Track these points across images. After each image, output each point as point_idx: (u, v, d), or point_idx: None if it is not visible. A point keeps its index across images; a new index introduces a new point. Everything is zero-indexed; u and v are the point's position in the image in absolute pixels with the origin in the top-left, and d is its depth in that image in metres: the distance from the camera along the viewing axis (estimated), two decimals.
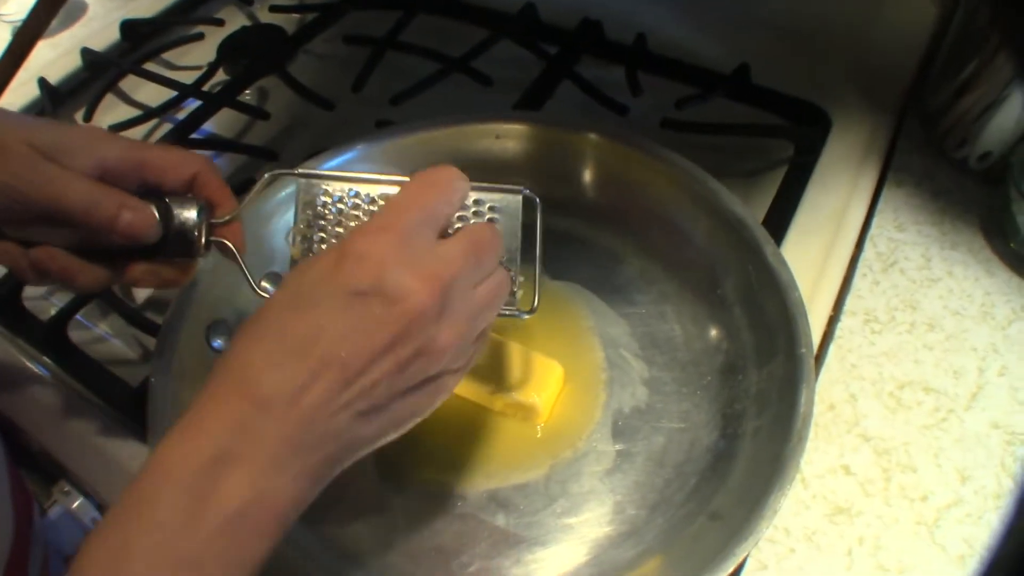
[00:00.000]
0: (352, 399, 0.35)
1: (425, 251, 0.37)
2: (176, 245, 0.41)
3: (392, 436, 0.38)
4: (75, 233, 0.39)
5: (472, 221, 0.43)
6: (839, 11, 0.71)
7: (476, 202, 0.43)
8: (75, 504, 0.56)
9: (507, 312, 0.43)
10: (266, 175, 0.43)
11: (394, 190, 0.43)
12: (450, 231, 0.42)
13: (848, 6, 0.71)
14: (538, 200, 0.45)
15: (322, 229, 0.42)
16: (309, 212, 0.42)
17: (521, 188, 0.44)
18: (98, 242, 0.40)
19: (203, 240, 0.42)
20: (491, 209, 0.44)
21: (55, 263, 0.40)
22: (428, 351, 0.36)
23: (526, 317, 0.44)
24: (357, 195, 0.43)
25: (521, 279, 0.44)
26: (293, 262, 0.42)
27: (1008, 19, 0.57)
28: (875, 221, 0.64)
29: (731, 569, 0.38)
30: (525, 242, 0.44)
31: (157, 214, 0.41)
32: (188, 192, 0.42)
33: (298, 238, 0.42)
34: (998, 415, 0.53)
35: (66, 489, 0.57)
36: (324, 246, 0.42)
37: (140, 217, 0.40)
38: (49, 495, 0.57)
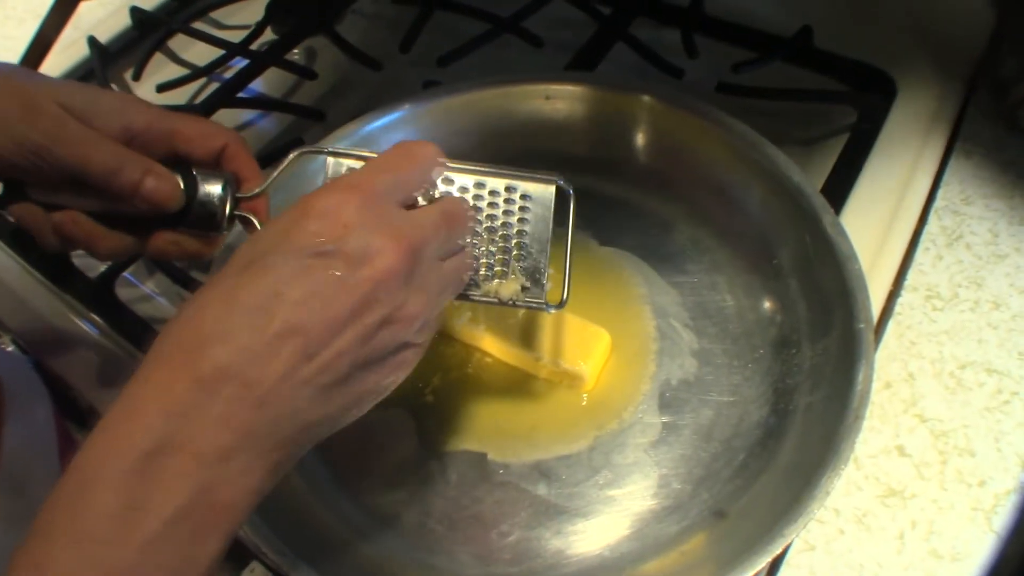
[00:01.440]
0: (313, 374, 0.32)
1: (393, 213, 0.34)
2: (199, 217, 0.41)
3: (353, 416, 0.35)
4: (99, 198, 0.39)
5: (503, 208, 0.42)
6: None
7: (508, 189, 0.42)
8: None
9: (534, 304, 0.42)
10: (293, 152, 0.42)
11: None
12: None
13: None
14: (571, 191, 0.43)
15: None
16: None
17: (556, 178, 0.43)
18: (121, 209, 0.40)
19: (227, 214, 0.41)
20: (523, 197, 0.42)
21: (78, 228, 0.40)
22: (395, 319, 0.33)
23: (553, 311, 0.43)
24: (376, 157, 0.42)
25: (551, 271, 0.43)
26: None
27: None
28: (940, 193, 0.61)
29: (778, 550, 0.37)
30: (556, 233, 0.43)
31: (182, 184, 0.40)
32: (216, 164, 0.42)
33: None
34: None
35: None
36: None
37: (164, 184, 0.39)
38: None
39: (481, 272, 0.42)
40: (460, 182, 0.41)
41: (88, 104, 0.39)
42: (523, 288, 0.42)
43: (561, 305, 0.43)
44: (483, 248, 0.42)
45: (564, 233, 0.43)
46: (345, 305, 0.32)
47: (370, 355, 0.33)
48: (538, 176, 0.42)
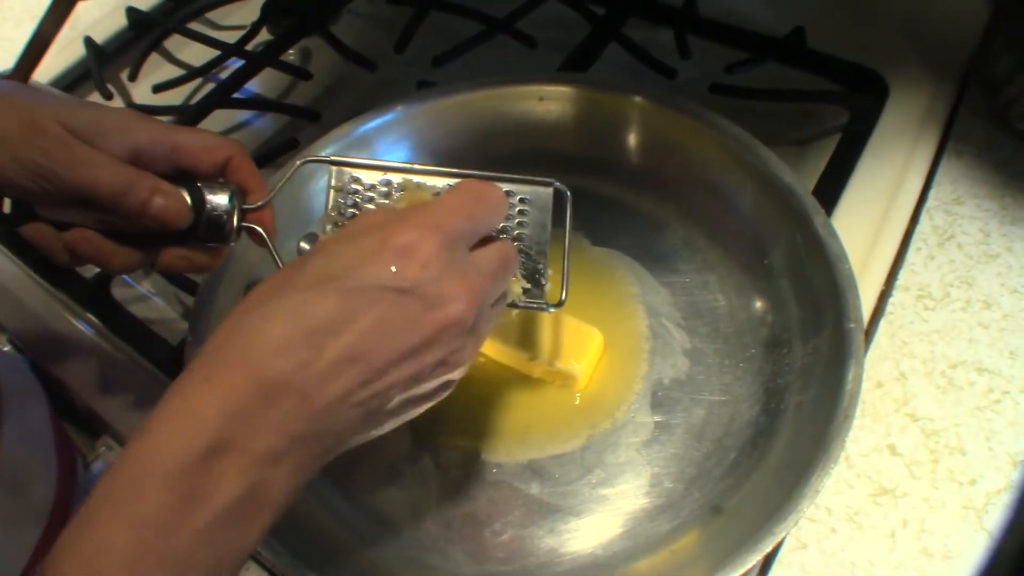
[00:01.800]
0: (365, 399, 0.33)
1: (466, 260, 0.35)
2: (208, 230, 0.41)
3: (383, 432, 0.37)
4: (108, 216, 0.39)
5: None
6: None
7: (507, 194, 0.43)
8: None
9: (534, 305, 0.43)
10: (297, 161, 0.42)
11: (425, 179, 0.42)
12: None
13: None
14: (568, 194, 0.44)
15: (353, 217, 0.42)
16: (340, 199, 0.42)
17: (552, 181, 0.43)
18: (130, 226, 0.40)
19: (234, 225, 0.41)
20: (521, 201, 0.43)
21: (89, 246, 0.40)
22: (451, 362, 0.35)
23: (552, 311, 0.43)
24: (389, 183, 0.42)
25: (550, 272, 0.44)
26: None
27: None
28: (932, 193, 0.61)
29: (768, 548, 0.37)
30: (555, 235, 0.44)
31: (189, 199, 0.40)
32: (220, 177, 0.42)
33: (328, 225, 0.42)
34: None
35: (110, 444, 0.58)
36: None
37: (172, 202, 0.39)
38: (93, 450, 0.58)
39: None
40: None
41: (91, 124, 0.39)
42: (524, 290, 0.43)
43: (560, 304, 0.43)
44: None
45: (561, 234, 0.44)
46: (410, 342, 0.33)
47: (420, 391, 0.35)
48: (535, 180, 0.43)
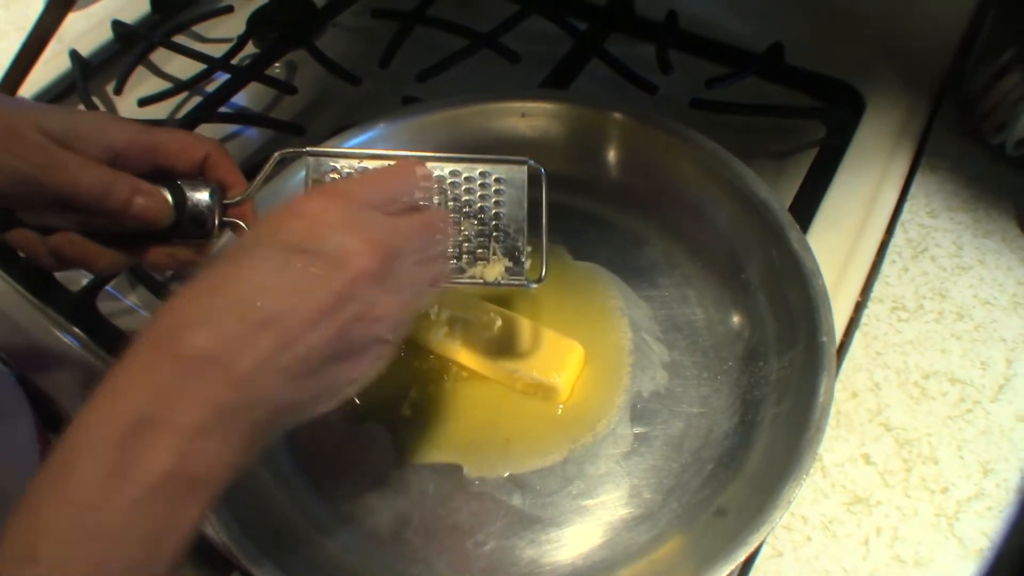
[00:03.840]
0: (287, 363, 0.33)
1: (373, 219, 0.36)
2: (190, 227, 0.42)
3: (329, 403, 0.37)
4: (90, 218, 0.40)
5: (479, 193, 0.44)
6: None
7: (482, 174, 0.44)
8: None
9: (515, 282, 0.44)
10: (275, 155, 0.43)
11: None
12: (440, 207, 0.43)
13: None
14: (543, 171, 0.45)
15: None
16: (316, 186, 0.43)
17: (526, 159, 0.45)
18: (113, 227, 0.40)
19: (216, 221, 0.42)
20: (497, 181, 0.44)
21: (73, 248, 0.41)
22: (368, 316, 0.35)
23: (534, 287, 0.44)
24: (366, 170, 0.43)
25: (529, 249, 0.45)
26: None
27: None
28: (907, 206, 0.62)
29: (743, 557, 0.38)
30: (532, 213, 0.45)
31: (170, 197, 0.41)
32: (200, 174, 0.43)
33: None
34: None
35: None
36: None
37: (153, 202, 0.40)
38: None
39: (464, 257, 0.44)
40: (437, 172, 0.43)
41: (69, 128, 0.39)
42: (505, 268, 0.44)
43: (540, 280, 0.45)
44: (465, 232, 0.44)
45: (536, 213, 0.45)
46: (321, 301, 0.34)
47: (342, 348, 0.35)
48: (509, 159, 0.45)
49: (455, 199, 0.44)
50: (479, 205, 0.44)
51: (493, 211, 0.45)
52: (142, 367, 0.32)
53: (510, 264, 0.44)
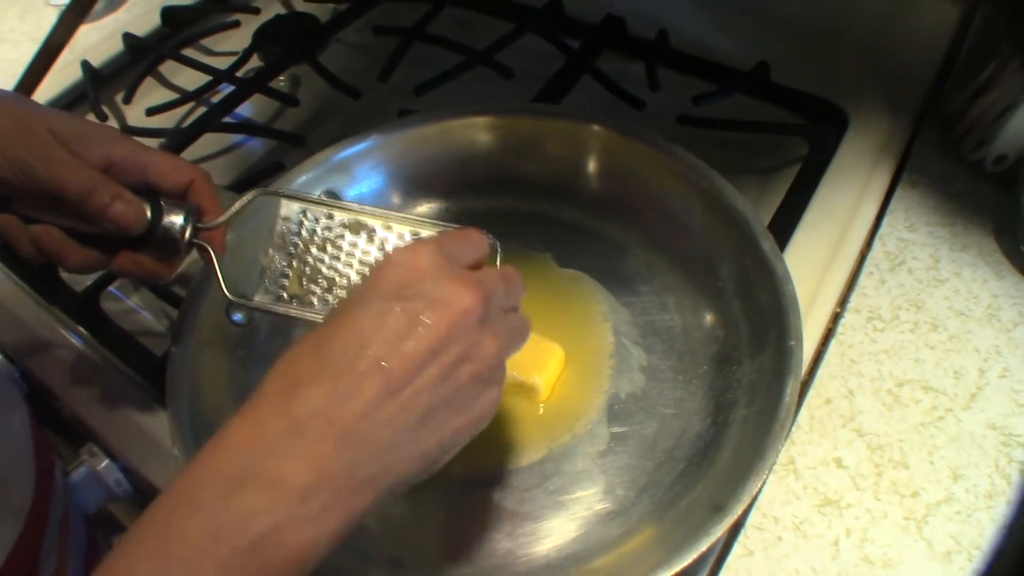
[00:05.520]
0: (394, 412, 0.33)
1: (464, 271, 0.37)
2: (162, 241, 0.44)
3: (436, 462, 0.36)
4: (73, 217, 0.42)
5: None
6: (861, 11, 0.72)
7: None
8: (100, 466, 0.59)
9: None
10: (250, 192, 0.46)
11: (371, 220, 0.46)
12: None
13: (871, 5, 0.71)
14: (499, 245, 0.46)
15: (294, 245, 0.46)
16: (286, 227, 0.46)
17: (483, 233, 0.46)
18: (92, 228, 0.43)
19: (187, 240, 0.45)
20: None
21: (52, 240, 0.43)
22: (473, 357, 0.35)
23: None
24: (331, 216, 0.46)
25: None
26: (262, 271, 0.45)
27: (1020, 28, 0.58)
28: (886, 220, 0.64)
29: (704, 548, 0.40)
30: None
31: (149, 211, 0.44)
32: (183, 197, 0.46)
33: (271, 249, 0.46)
34: (996, 416, 0.53)
35: (93, 451, 0.60)
36: (294, 261, 0.45)
37: (129, 209, 0.42)
38: (76, 456, 0.60)
39: None
40: (398, 230, 0.46)
41: (75, 132, 0.42)
42: None
43: None
44: None
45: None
46: (424, 343, 0.33)
47: (450, 394, 0.34)
48: (468, 230, 0.47)
49: None
50: None
51: None
52: (251, 423, 0.32)
53: None
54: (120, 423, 0.58)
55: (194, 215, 0.45)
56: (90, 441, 0.61)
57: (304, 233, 0.46)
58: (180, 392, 0.50)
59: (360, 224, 0.46)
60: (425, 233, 0.46)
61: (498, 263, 0.47)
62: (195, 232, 0.45)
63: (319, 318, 0.44)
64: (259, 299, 0.45)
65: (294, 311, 0.45)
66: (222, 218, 0.46)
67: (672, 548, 0.40)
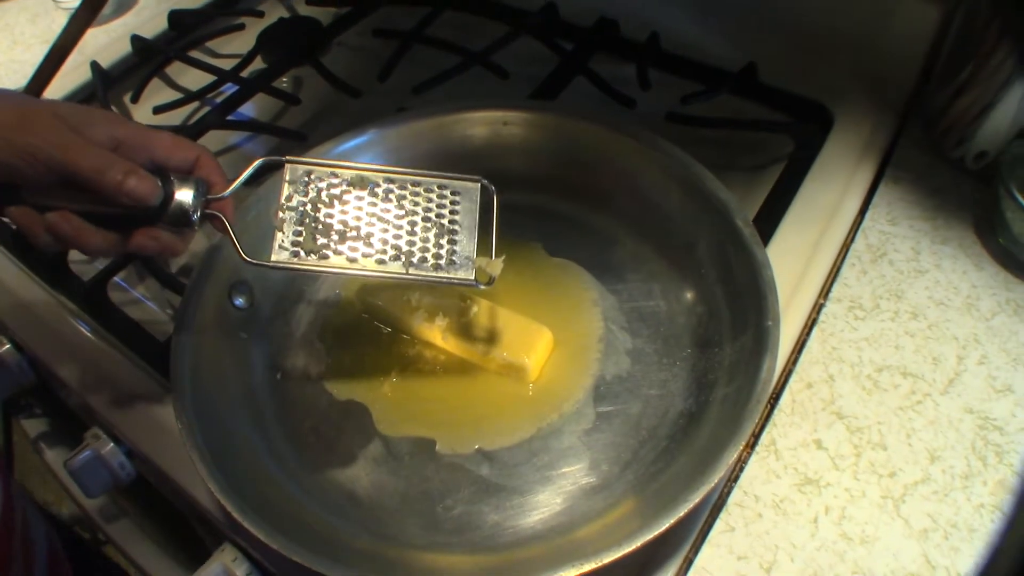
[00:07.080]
0: None
1: None
2: (175, 214, 0.46)
3: None
4: (87, 198, 0.44)
5: (436, 203, 0.50)
6: (847, 13, 0.74)
7: (440, 187, 0.50)
8: (105, 449, 0.61)
9: (462, 282, 0.48)
10: (257, 161, 0.48)
11: (373, 175, 0.49)
12: (402, 211, 0.49)
13: (856, 9, 0.73)
14: (494, 188, 0.51)
15: (303, 204, 0.48)
16: (293, 191, 0.48)
17: (479, 178, 0.51)
18: (107, 208, 0.44)
19: (198, 211, 0.46)
20: (453, 193, 0.50)
21: (69, 226, 0.44)
22: None
23: (483, 287, 0.49)
24: (335, 175, 0.49)
25: (489, 259, 0.50)
26: (274, 233, 0.47)
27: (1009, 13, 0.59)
28: (868, 215, 0.66)
29: (681, 514, 0.41)
30: (485, 222, 0.50)
31: (161, 185, 0.45)
32: (189, 173, 0.48)
33: (280, 212, 0.48)
34: (973, 401, 0.55)
35: (97, 435, 0.61)
36: (306, 219, 0.47)
37: (144, 182, 0.44)
38: (82, 440, 0.62)
39: (416, 256, 0.48)
40: (399, 181, 0.49)
41: (80, 117, 0.44)
42: (452, 263, 0.48)
43: (490, 283, 0.49)
44: (422, 235, 0.48)
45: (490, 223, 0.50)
46: None
47: None
48: (464, 177, 0.50)
49: (415, 204, 0.49)
50: (435, 212, 0.49)
51: (448, 218, 0.49)
52: None
53: (458, 262, 0.49)
54: (125, 407, 0.59)
55: (203, 187, 0.47)
56: (95, 425, 0.63)
57: (312, 193, 0.48)
58: (183, 376, 0.52)
59: (363, 179, 0.49)
60: (424, 183, 0.49)
61: (495, 210, 0.50)
62: (206, 203, 0.47)
63: (335, 271, 0.47)
64: (275, 258, 0.47)
65: (310, 265, 0.47)
66: (230, 188, 0.48)
67: (651, 515, 0.42)
